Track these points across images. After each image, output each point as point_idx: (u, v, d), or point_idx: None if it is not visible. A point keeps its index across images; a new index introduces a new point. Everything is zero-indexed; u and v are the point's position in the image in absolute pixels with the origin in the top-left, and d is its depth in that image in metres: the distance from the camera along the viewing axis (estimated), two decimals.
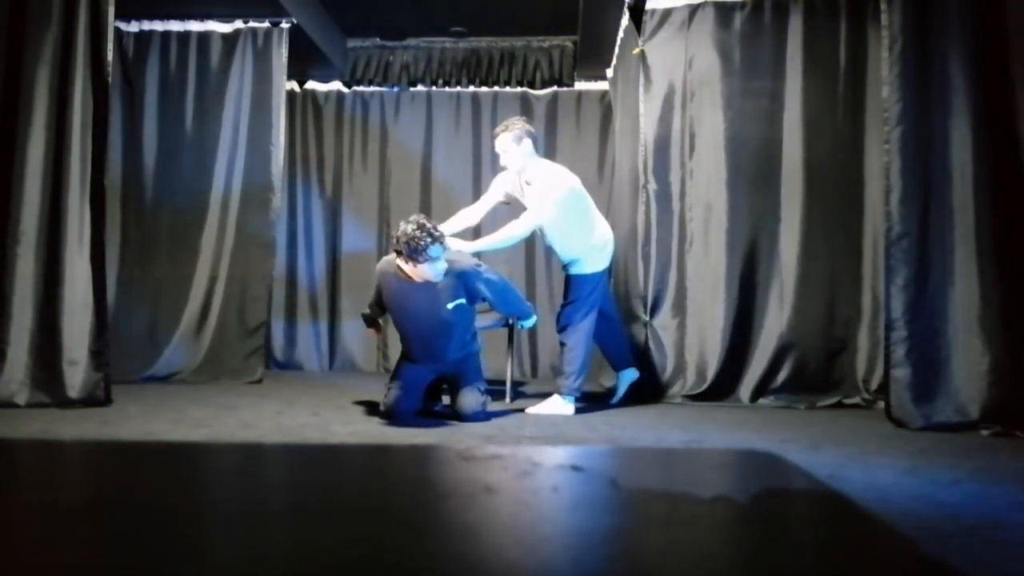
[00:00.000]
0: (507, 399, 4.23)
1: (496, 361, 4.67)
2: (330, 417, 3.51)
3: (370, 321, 3.79)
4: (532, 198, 3.89)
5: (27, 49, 3.63)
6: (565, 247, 3.96)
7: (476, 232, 4.53)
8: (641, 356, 4.36)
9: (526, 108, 6.12)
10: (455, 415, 3.50)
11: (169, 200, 5.08)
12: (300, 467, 2.62)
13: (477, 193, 6.13)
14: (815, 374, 4.20)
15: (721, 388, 4.21)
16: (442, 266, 3.25)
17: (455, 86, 6.15)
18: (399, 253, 3.21)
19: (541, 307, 5.86)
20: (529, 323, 3.79)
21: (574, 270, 3.95)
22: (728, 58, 4.32)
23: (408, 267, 3.25)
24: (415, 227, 3.16)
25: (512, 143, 3.86)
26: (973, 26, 3.34)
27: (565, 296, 3.96)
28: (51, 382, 3.57)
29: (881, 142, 3.63)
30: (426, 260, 3.18)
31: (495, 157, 6.10)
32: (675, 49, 4.37)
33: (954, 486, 2.18)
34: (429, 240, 3.14)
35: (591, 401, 4.36)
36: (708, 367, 4.23)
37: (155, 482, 2.22)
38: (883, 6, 3.49)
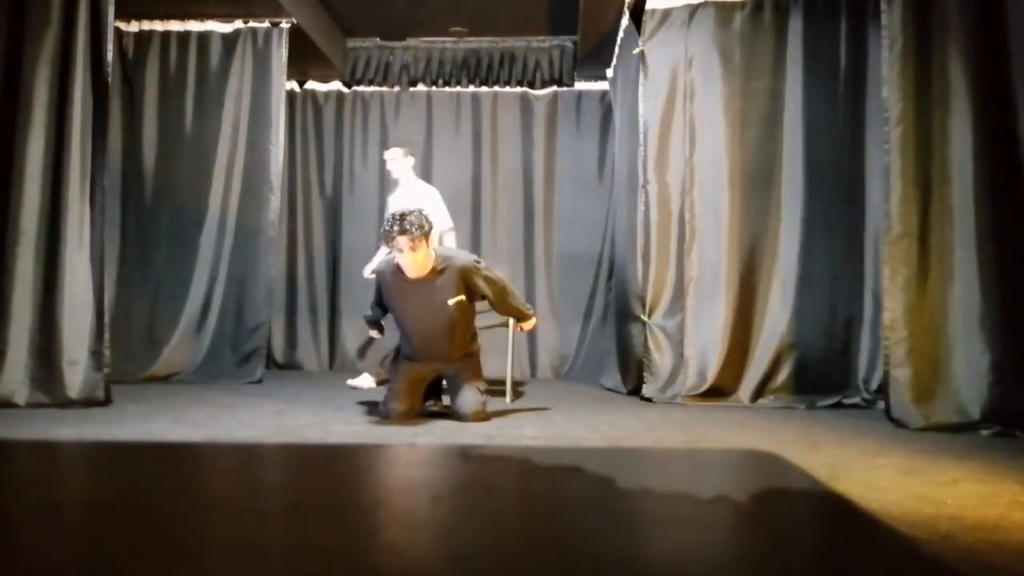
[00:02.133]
0: (507, 399, 4.24)
1: (496, 361, 4.67)
2: (330, 417, 3.51)
3: (373, 323, 3.79)
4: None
5: (27, 49, 3.63)
6: None
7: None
8: (640, 356, 4.37)
9: (526, 108, 6.12)
10: (455, 415, 3.50)
11: (169, 200, 5.07)
12: (300, 467, 2.62)
13: (477, 193, 6.14)
14: (815, 374, 4.20)
15: (721, 388, 4.20)
16: (418, 260, 3.25)
17: (455, 86, 6.15)
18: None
19: (541, 308, 5.87)
20: (528, 325, 3.77)
21: None
22: (728, 58, 4.32)
23: (395, 257, 3.29)
24: (398, 214, 3.23)
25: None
26: (973, 26, 3.34)
27: None
28: (51, 382, 3.57)
29: (881, 142, 3.63)
30: (394, 248, 3.23)
31: (495, 157, 6.15)
32: (675, 49, 4.37)
33: (954, 486, 2.18)
34: (397, 229, 3.18)
35: (592, 402, 4.37)
36: (708, 367, 4.23)
37: (155, 482, 2.22)
38: (883, 6, 3.49)
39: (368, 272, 5.04)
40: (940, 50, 3.40)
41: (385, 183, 6.20)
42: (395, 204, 4.85)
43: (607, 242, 5.88)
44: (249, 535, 1.65)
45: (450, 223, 4.82)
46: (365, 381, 4.77)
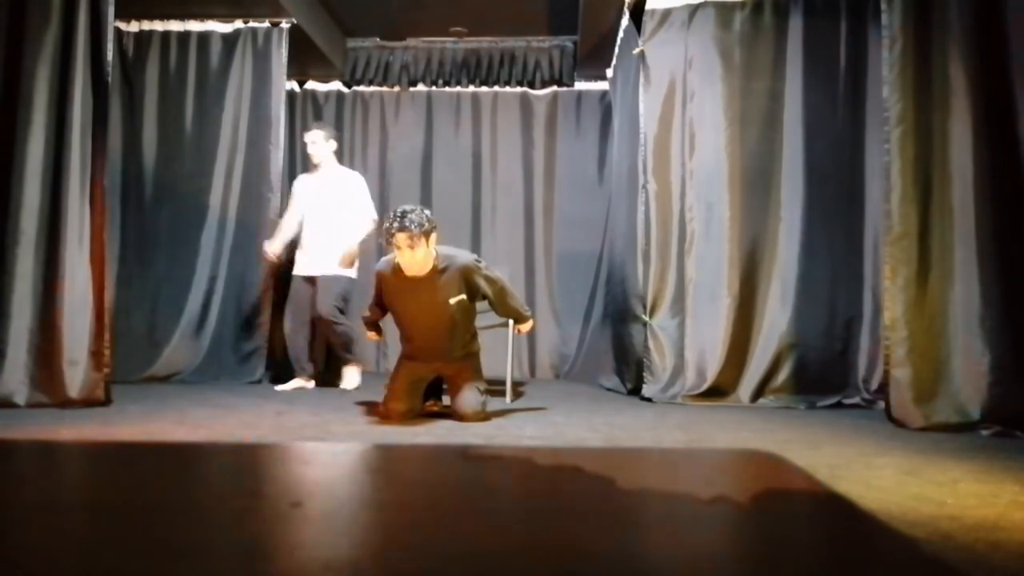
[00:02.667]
0: (507, 399, 4.24)
1: (496, 361, 4.67)
2: (330, 417, 3.51)
3: (371, 325, 3.77)
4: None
5: (27, 49, 3.63)
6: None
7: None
8: (640, 356, 4.37)
9: (526, 108, 6.13)
10: (455, 415, 3.50)
11: (169, 199, 5.08)
12: (300, 467, 2.62)
13: (476, 193, 6.14)
14: (815, 374, 4.20)
15: (721, 388, 4.20)
16: (416, 258, 3.24)
17: (455, 86, 6.15)
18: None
19: (541, 308, 5.87)
20: (526, 327, 3.73)
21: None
22: (728, 58, 4.32)
23: (395, 256, 3.29)
24: (399, 212, 3.23)
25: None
26: (973, 26, 3.34)
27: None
28: (51, 382, 3.57)
29: (881, 142, 3.63)
30: (392, 245, 3.23)
31: (495, 157, 6.15)
32: (675, 49, 4.37)
33: (954, 486, 2.18)
34: (396, 226, 3.19)
35: (592, 402, 4.36)
36: (708, 367, 4.23)
37: (155, 482, 2.22)
38: (883, 6, 3.49)
39: (269, 249, 4.67)
40: (940, 50, 3.40)
41: (385, 181, 6.21)
42: (303, 186, 4.74)
43: (607, 242, 5.88)
44: (248, 535, 1.65)
45: (374, 214, 4.73)
46: (354, 378, 4.72)
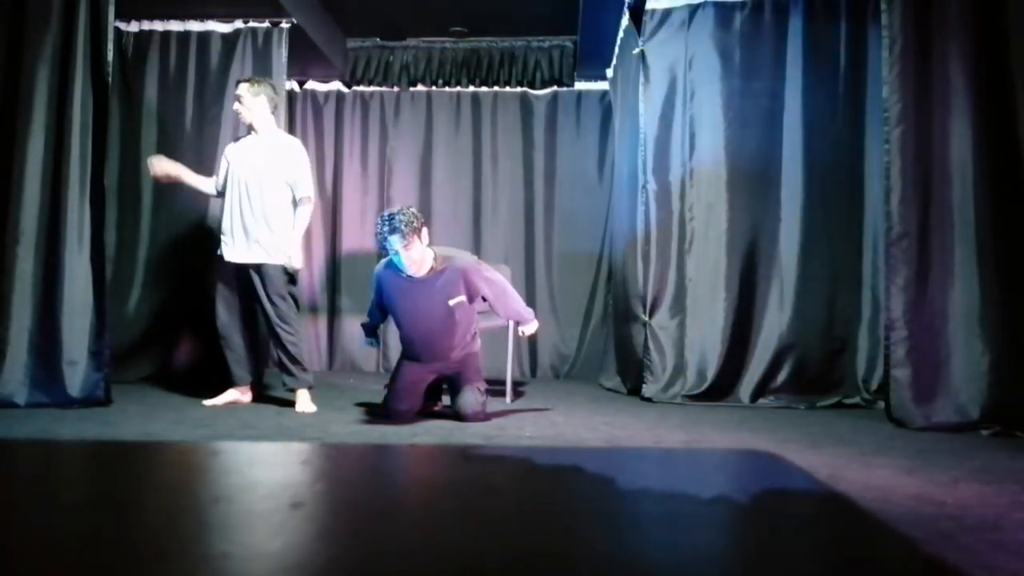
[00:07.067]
0: (507, 399, 4.23)
1: (496, 361, 4.67)
2: (330, 417, 3.51)
3: (370, 331, 3.76)
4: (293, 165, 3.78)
5: (27, 49, 3.63)
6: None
7: None
8: (640, 356, 4.37)
9: (526, 108, 6.12)
10: (455, 415, 3.50)
11: (168, 199, 5.07)
12: (299, 468, 2.62)
13: (477, 193, 6.13)
14: (815, 374, 4.20)
15: (721, 388, 4.20)
16: (414, 256, 3.25)
17: (455, 86, 6.15)
18: None
19: (542, 308, 5.87)
20: (529, 329, 3.69)
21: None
22: (728, 58, 4.32)
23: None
24: (386, 215, 3.24)
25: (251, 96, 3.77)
26: (973, 26, 3.34)
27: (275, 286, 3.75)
28: (51, 382, 3.57)
29: (881, 142, 3.63)
30: (386, 249, 3.24)
31: (495, 157, 6.15)
32: (675, 49, 4.37)
33: (954, 486, 2.18)
34: (387, 230, 3.19)
35: (592, 402, 4.36)
36: (708, 367, 4.23)
37: (155, 482, 2.22)
38: (883, 6, 3.50)
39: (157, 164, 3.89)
40: (940, 50, 3.41)
41: (385, 181, 6.20)
42: (231, 155, 3.85)
43: (607, 242, 5.88)
44: (247, 536, 1.65)
45: (312, 192, 3.85)
46: (308, 401, 3.80)
